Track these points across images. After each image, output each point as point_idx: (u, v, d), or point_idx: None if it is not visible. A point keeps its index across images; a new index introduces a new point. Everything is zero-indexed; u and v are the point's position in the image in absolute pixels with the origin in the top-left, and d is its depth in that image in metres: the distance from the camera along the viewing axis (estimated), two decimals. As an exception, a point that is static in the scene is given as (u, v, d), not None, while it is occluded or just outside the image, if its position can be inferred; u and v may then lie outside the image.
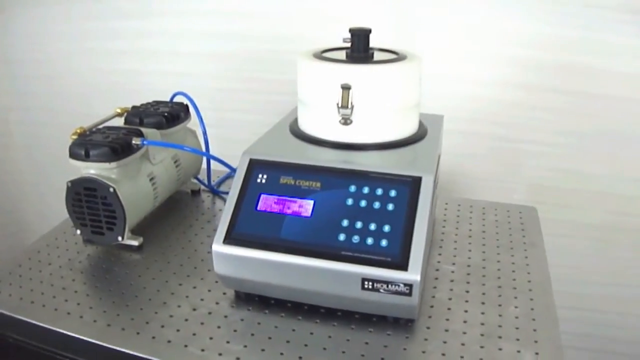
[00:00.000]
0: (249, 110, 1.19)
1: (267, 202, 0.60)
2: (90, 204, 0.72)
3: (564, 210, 1.08)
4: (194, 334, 0.58)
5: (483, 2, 1.00)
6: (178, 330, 0.59)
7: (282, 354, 0.56)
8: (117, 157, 0.70)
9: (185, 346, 0.57)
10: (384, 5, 1.04)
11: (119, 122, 0.83)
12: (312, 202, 0.59)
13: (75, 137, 0.74)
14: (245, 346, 0.57)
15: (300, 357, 0.55)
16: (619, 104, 0.98)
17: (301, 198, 0.59)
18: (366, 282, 0.55)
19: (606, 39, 0.96)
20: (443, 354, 0.55)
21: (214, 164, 0.90)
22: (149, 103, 0.87)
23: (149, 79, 1.22)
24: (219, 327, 0.60)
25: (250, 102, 1.19)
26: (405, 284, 0.54)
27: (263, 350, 0.56)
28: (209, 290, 0.66)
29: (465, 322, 0.60)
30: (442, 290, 0.66)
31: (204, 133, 0.84)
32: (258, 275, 0.59)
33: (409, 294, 0.54)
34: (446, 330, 0.59)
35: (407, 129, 0.68)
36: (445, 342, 0.57)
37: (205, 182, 0.92)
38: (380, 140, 0.66)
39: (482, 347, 0.56)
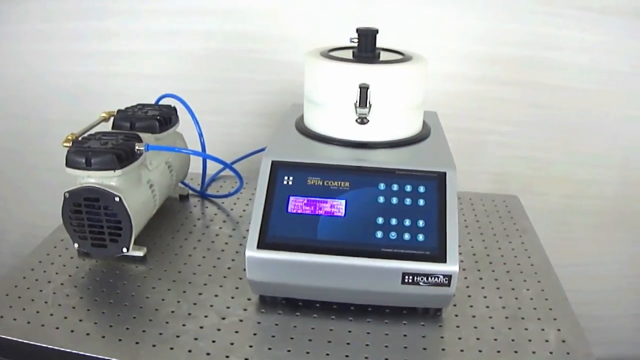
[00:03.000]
0: (219, 112, 1.15)
1: (297, 204, 0.60)
2: (91, 215, 0.67)
3: (526, 197, 1.17)
4: (232, 344, 0.57)
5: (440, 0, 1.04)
6: (214, 342, 0.57)
7: (327, 354, 0.56)
8: (122, 164, 0.66)
9: (227, 357, 0.55)
10: (344, 2, 1.05)
11: (106, 127, 0.78)
12: (343, 201, 0.60)
13: (68, 144, 0.69)
14: (289, 350, 0.56)
15: (346, 356, 0.56)
16: (570, 93, 1.07)
17: (332, 198, 0.60)
18: (406, 277, 0.57)
19: (557, 33, 1.03)
20: (478, 339, 0.59)
21: (195, 168, 0.89)
22: (135, 106, 0.82)
23: (115, 81, 1.15)
24: (255, 334, 0.59)
25: (220, 103, 1.16)
26: (444, 275, 0.56)
27: (308, 352, 0.56)
28: (232, 297, 0.65)
29: (487, 307, 0.64)
30: (458, 279, 0.69)
31: (200, 135, 0.82)
32: (295, 278, 0.59)
33: (448, 285, 0.57)
34: (473, 316, 0.62)
35: (416, 127, 0.71)
36: (476, 328, 0.60)
37: (191, 186, 0.89)
38: (391, 138, 0.67)
39: (509, 328, 0.60)
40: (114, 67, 1.14)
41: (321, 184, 0.61)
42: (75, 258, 0.72)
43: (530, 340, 0.58)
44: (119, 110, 0.80)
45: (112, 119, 0.79)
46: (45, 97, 1.17)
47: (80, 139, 0.70)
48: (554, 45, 1.03)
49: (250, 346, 0.57)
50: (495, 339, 0.59)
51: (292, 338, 0.58)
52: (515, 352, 0.57)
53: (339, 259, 0.57)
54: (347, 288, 0.59)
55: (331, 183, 0.61)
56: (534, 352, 0.57)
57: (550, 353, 0.57)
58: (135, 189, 0.70)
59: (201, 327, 0.59)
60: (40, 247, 0.74)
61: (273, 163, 0.62)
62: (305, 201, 0.60)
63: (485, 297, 0.66)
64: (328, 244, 0.58)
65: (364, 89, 0.64)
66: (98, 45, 1.11)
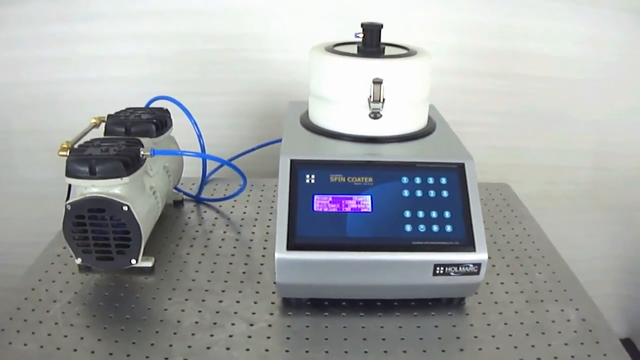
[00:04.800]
0: (201, 114, 1.12)
1: (322, 202, 0.59)
2: (96, 227, 0.63)
3: (503, 185, 1.21)
4: (267, 350, 0.55)
5: None
6: (248, 350, 0.55)
7: (366, 352, 0.55)
8: (129, 171, 0.63)
9: (265, 363, 0.54)
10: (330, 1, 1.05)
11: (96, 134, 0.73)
12: (369, 197, 0.59)
13: (64, 153, 0.64)
14: (327, 352, 0.55)
15: (385, 352, 0.55)
16: (545, 83, 1.12)
17: (357, 194, 0.59)
18: (438, 268, 0.57)
19: (531, 24, 1.06)
20: (505, 323, 0.60)
21: (185, 172, 0.85)
22: (126, 110, 0.78)
23: (87, 88, 1.08)
24: (288, 338, 0.57)
25: (196, 105, 1.12)
26: (474, 264, 0.57)
27: (346, 352, 0.55)
28: (255, 302, 0.63)
29: (507, 292, 0.66)
30: (473, 267, 0.70)
31: (199, 137, 0.78)
32: (326, 278, 0.58)
33: (477, 273, 0.58)
34: (496, 303, 0.64)
35: (424, 120, 0.71)
36: (501, 313, 0.62)
37: (185, 191, 0.86)
38: (402, 132, 0.68)
39: (532, 311, 0.62)
40: (81, 73, 1.07)
41: (344, 180, 0.60)
42: (77, 273, 0.67)
43: (553, 321, 0.61)
44: (109, 115, 0.76)
45: (102, 125, 0.75)
46: (8, 106, 1.09)
47: (76, 146, 0.66)
48: (529, 36, 1.06)
49: (287, 351, 0.55)
50: (522, 323, 0.60)
51: (326, 339, 0.57)
52: (543, 333, 0.59)
53: (370, 255, 0.57)
54: (379, 284, 0.58)
55: (354, 179, 0.60)
56: (559, 332, 0.59)
57: (575, 332, 0.59)
58: (141, 197, 0.66)
59: (231, 336, 0.57)
60: (36, 264, 0.68)
61: (292, 162, 0.61)
62: (330, 199, 0.59)
63: (502, 283, 0.67)
64: (358, 241, 0.57)
65: (377, 84, 0.64)
66: (70, 51, 1.05)
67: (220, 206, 0.85)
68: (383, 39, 0.70)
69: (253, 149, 0.93)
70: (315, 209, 0.58)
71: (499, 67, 1.10)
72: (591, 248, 1.23)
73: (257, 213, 0.83)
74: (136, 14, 1.04)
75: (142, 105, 0.82)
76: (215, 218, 0.82)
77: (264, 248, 0.74)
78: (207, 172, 0.92)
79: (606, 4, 1.01)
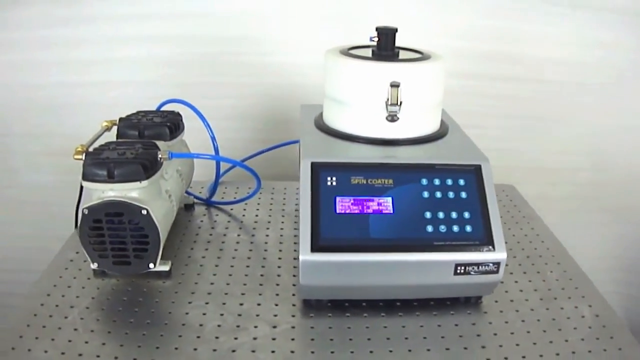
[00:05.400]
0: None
1: (344, 204, 0.59)
2: (113, 231, 0.62)
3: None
4: (292, 352, 0.56)
5: None
6: (273, 352, 0.55)
7: (390, 351, 0.56)
8: (147, 174, 0.62)
9: (292, 365, 0.54)
10: (326, 4, 1.06)
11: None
12: (390, 199, 0.60)
13: (79, 157, 0.64)
14: (352, 352, 0.56)
15: (409, 350, 0.56)
16: (542, 86, 1.13)
17: (378, 196, 0.60)
18: (459, 267, 0.58)
19: (528, 27, 1.08)
20: (523, 321, 0.61)
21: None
22: (137, 113, 0.77)
23: (85, 91, 1.07)
24: (312, 339, 0.58)
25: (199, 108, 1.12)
26: (494, 263, 0.58)
27: (371, 352, 0.56)
28: (276, 305, 0.63)
29: (521, 290, 0.67)
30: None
31: (213, 139, 0.78)
32: (350, 279, 0.58)
33: (497, 272, 0.59)
34: (511, 301, 0.65)
35: (438, 123, 0.72)
36: (517, 311, 0.63)
37: (196, 195, 0.86)
38: (417, 134, 0.69)
39: (547, 309, 0.64)
40: (83, 76, 1.06)
41: (365, 182, 0.61)
42: (92, 278, 0.66)
43: (568, 318, 0.62)
44: (121, 119, 0.75)
45: (113, 128, 0.74)
46: (8, 109, 1.08)
47: (91, 149, 0.65)
48: (525, 38, 1.08)
49: (312, 352, 0.56)
50: (538, 320, 0.62)
51: (350, 339, 0.58)
52: (559, 329, 0.60)
53: (394, 256, 0.57)
54: (401, 284, 0.59)
55: (375, 181, 0.61)
56: (575, 328, 0.60)
57: (589, 328, 0.61)
58: (158, 200, 0.66)
59: (255, 339, 0.57)
60: (49, 269, 0.67)
61: (313, 165, 0.61)
62: (352, 201, 0.60)
63: (516, 282, 0.69)
64: (382, 242, 0.58)
65: (394, 87, 0.64)
66: (71, 54, 1.04)
67: (232, 209, 0.85)
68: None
69: (262, 152, 0.93)
70: (337, 211, 0.59)
71: (500, 71, 1.12)
72: (591, 248, 1.26)
73: (269, 216, 0.83)
74: (137, 17, 1.04)
75: (142, 107, 0.80)
76: (228, 221, 0.82)
77: (280, 251, 0.74)
78: (216, 177, 0.92)
79: (603, 8, 1.03)
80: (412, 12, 1.06)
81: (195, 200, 0.86)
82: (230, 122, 1.11)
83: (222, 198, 0.88)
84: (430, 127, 0.70)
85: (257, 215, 0.83)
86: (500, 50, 1.09)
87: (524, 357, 0.56)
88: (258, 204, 0.87)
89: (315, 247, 0.57)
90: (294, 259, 0.72)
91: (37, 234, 1.14)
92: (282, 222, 0.81)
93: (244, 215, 0.83)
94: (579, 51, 1.07)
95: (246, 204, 0.86)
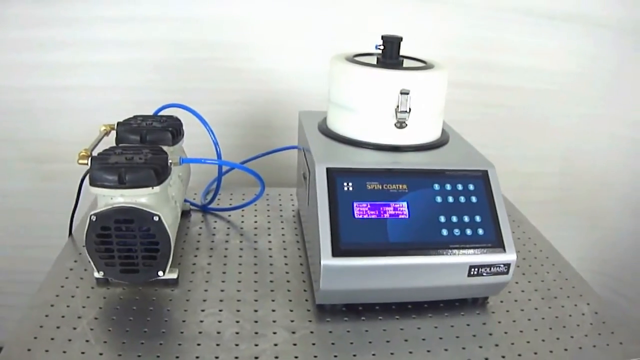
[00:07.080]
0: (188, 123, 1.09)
1: (361, 209, 0.60)
2: (122, 239, 0.60)
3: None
4: (315, 357, 0.55)
5: (408, 9, 1.10)
6: (296, 357, 0.55)
7: (410, 352, 0.57)
8: (159, 180, 0.61)
9: (317, 370, 0.54)
10: (313, 11, 1.07)
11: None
12: (405, 203, 0.61)
13: (84, 162, 0.61)
14: (374, 354, 0.56)
15: (428, 351, 0.57)
16: (518, 93, 1.19)
17: (394, 201, 0.61)
18: (473, 269, 0.60)
19: (505, 37, 1.12)
20: (529, 319, 0.64)
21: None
22: (135, 117, 0.75)
23: (62, 95, 1.03)
24: (333, 343, 0.58)
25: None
26: (504, 264, 0.61)
27: (392, 354, 0.57)
28: (291, 310, 0.63)
29: (522, 291, 0.70)
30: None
31: (216, 144, 0.77)
32: (370, 282, 0.59)
33: (507, 272, 0.61)
34: (515, 301, 0.68)
35: (440, 130, 0.74)
36: (522, 310, 0.66)
37: (192, 201, 0.84)
38: (423, 141, 0.70)
39: (549, 307, 0.67)
40: (63, 80, 1.02)
41: (380, 188, 0.62)
42: (96, 287, 0.64)
43: (570, 316, 0.65)
44: (119, 123, 0.73)
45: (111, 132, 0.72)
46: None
47: (97, 155, 0.63)
48: (503, 49, 1.14)
49: (335, 356, 0.56)
50: (543, 318, 0.64)
51: (370, 342, 0.58)
52: (564, 327, 0.63)
53: (413, 259, 0.59)
54: (418, 286, 0.60)
55: (390, 186, 0.62)
56: (577, 325, 0.64)
57: (591, 324, 0.64)
58: (167, 206, 0.64)
59: (276, 345, 0.57)
60: (49, 279, 0.64)
61: (328, 170, 0.62)
62: (369, 206, 0.60)
63: (517, 282, 0.72)
64: (400, 246, 0.59)
65: (405, 95, 0.66)
66: (48, 57, 0.99)
67: (229, 215, 0.84)
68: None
69: (258, 156, 0.92)
70: (355, 215, 0.60)
71: (474, 78, 1.16)
72: (562, 251, 1.33)
73: (269, 222, 0.82)
74: (119, 21, 1.01)
75: (125, 113, 0.77)
76: (228, 228, 0.80)
77: (285, 257, 0.73)
78: (207, 182, 0.90)
79: (578, 19, 1.10)
80: (395, 20, 1.09)
81: (191, 207, 0.84)
82: (218, 128, 1.10)
83: (218, 204, 0.86)
84: (434, 133, 0.72)
85: (256, 222, 0.82)
86: (475, 58, 1.13)
87: (535, 353, 0.58)
88: (255, 210, 0.86)
89: (337, 252, 0.57)
90: (300, 264, 0.72)
91: (16, 242, 1.08)
92: (282, 228, 0.81)
93: (242, 222, 0.82)
94: (552, 60, 1.13)
95: (243, 210, 0.85)
